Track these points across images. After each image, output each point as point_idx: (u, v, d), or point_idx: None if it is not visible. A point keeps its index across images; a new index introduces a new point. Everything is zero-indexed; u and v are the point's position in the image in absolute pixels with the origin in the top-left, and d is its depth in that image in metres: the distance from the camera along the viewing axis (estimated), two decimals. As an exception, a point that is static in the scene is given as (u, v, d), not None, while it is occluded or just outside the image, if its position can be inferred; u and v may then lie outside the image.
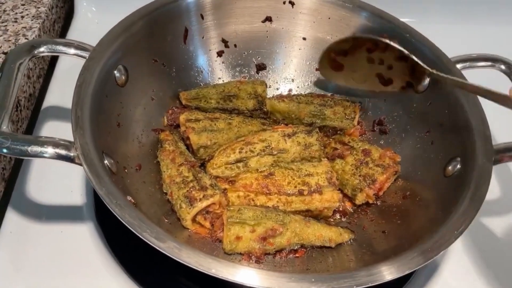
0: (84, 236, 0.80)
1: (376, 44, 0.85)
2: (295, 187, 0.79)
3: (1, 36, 0.99)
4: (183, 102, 0.93)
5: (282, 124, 0.93)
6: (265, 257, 0.75)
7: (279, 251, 0.76)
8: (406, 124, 0.90)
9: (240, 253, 0.74)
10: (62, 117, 0.96)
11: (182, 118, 0.86)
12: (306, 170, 0.81)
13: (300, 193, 0.78)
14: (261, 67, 1.00)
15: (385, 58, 0.86)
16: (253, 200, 0.79)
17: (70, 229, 0.81)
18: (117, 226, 0.61)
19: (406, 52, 0.84)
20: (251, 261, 0.74)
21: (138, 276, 0.75)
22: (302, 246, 0.76)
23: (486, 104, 0.79)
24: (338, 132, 0.92)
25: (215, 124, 0.86)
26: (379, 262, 0.62)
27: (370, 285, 0.59)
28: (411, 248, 0.64)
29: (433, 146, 0.84)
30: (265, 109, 0.94)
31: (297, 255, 0.76)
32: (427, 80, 0.87)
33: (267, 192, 0.79)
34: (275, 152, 0.84)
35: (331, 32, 0.97)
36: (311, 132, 0.86)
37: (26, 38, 1.00)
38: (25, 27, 1.02)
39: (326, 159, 0.84)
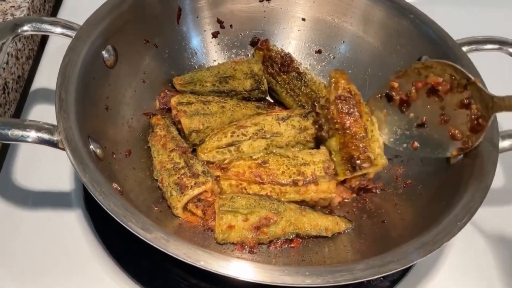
0: (72, 223, 0.78)
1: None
2: (290, 177, 0.75)
3: (-12, 15, 0.95)
4: (178, 87, 0.89)
5: (277, 108, 0.90)
6: (259, 247, 0.72)
7: (274, 241, 0.73)
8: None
9: (233, 243, 0.71)
10: (52, 100, 0.91)
11: (173, 101, 0.83)
12: (302, 159, 0.77)
13: (295, 183, 0.75)
14: (255, 43, 0.96)
15: (447, 104, 0.74)
16: (245, 189, 0.76)
17: (57, 216, 0.78)
18: (106, 214, 0.59)
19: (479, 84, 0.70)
20: (244, 251, 0.71)
21: (126, 264, 0.73)
22: (298, 235, 0.74)
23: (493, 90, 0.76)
24: None
25: (207, 108, 0.83)
26: (378, 254, 0.60)
27: (367, 279, 0.56)
28: (412, 240, 0.61)
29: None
30: (263, 88, 0.90)
31: (292, 245, 0.73)
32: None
33: (260, 181, 0.75)
34: (269, 136, 0.81)
35: (331, 13, 0.93)
36: (307, 115, 0.83)
37: (14, 17, 0.96)
38: (13, 6, 0.98)
39: (324, 147, 0.80)
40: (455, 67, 0.73)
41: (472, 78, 0.71)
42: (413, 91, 0.76)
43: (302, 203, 0.76)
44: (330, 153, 0.79)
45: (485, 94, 0.70)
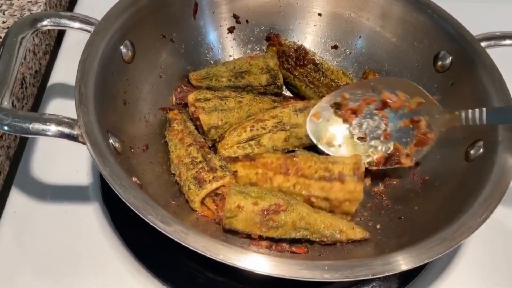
0: (90, 217, 0.78)
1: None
2: (316, 171, 0.74)
3: (6, 10, 0.96)
4: (194, 83, 0.89)
5: (292, 100, 0.90)
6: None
7: (282, 241, 0.71)
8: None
9: (238, 230, 0.70)
10: (68, 95, 0.94)
11: (191, 98, 0.83)
12: (333, 158, 0.76)
13: (320, 177, 0.73)
14: (271, 38, 0.96)
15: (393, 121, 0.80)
16: (270, 179, 0.75)
17: (75, 209, 0.79)
18: (123, 207, 0.59)
19: None
20: (260, 246, 0.71)
21: (144, 258, 0.73)
22: (309, 237, 0.70)
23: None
24: None
25: (225, 103, 0.83)
26: (395, 251, 0.59)
27: (386, 274, 0.56)
28: (430, 237, 0.61)
29: (455, 128, 0.79)
30: (279, 83, 0.90)
31: (297, 250, 0.70)
32: (449, 59, 0.83)
33: (285, 172, 0.74)
34: (288, 128, 0.81)
35: (348, 8, 0.93)
36: None
37: (31, 13, 0.97)
38: (30, 1, 0.99)
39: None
40: (414, 86, 0.78)
41: (430, 97, 0.77)
42: (362, 104, 0.81)
43: (326, 202, 0.74)
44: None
45: (439, 111, 0.76)
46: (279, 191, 0.74)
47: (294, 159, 0.76)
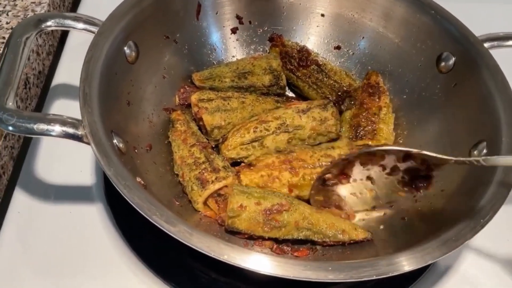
0: (93, 217, 0.78)
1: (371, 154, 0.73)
2: (318, 159, 0.77)
3: (10, 11, 0.96)
4: (197, 83, 0.90)
5: (295, 101, 0.90)
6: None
7: (284, 242, 0.71)
8: (430, 105, 0.86)
9: (241, 231, 0.70)
10: (72, 95, 0.94)
11: (194, 98, 0.83)
12: (326, 146, 0.80)
13: (324, 164, 0.76)
14: (274, 39, 0.96)
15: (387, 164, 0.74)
16: (278, 178, 0.75)
17: (79, 209, 0.79)
18: (127, 207, 0.59)
19: (413, 150, 0.71)
20: (263, 247, 0.71)
21: (147, 258, 0.73)
22: (312, 237, 0.71)
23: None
24: None
25: (228, 104, 0.83)
26: (400, 251, 0.59)
27: (390, 275, 0.56)
28: (434, 237, 0.61)
29: (458, 129, 0.80)
30: (282, 84, 0.90)
31: (297, 254, 0.70)
32: (452, 60, 0.83)
33: (291, 167, 0.75)
34: (291, 129, 0.81)
35: (351, 9, 0.93)
36: (326, 106, 0.84)
37: (35, 14, 0.97)
38: (34, 2, 0.99)
39: (344, 139, 0.82)
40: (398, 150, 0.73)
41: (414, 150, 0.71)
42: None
43: None
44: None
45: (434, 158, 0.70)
46: (289, 187, 0.75)
47: (293, 153, 0.77)
